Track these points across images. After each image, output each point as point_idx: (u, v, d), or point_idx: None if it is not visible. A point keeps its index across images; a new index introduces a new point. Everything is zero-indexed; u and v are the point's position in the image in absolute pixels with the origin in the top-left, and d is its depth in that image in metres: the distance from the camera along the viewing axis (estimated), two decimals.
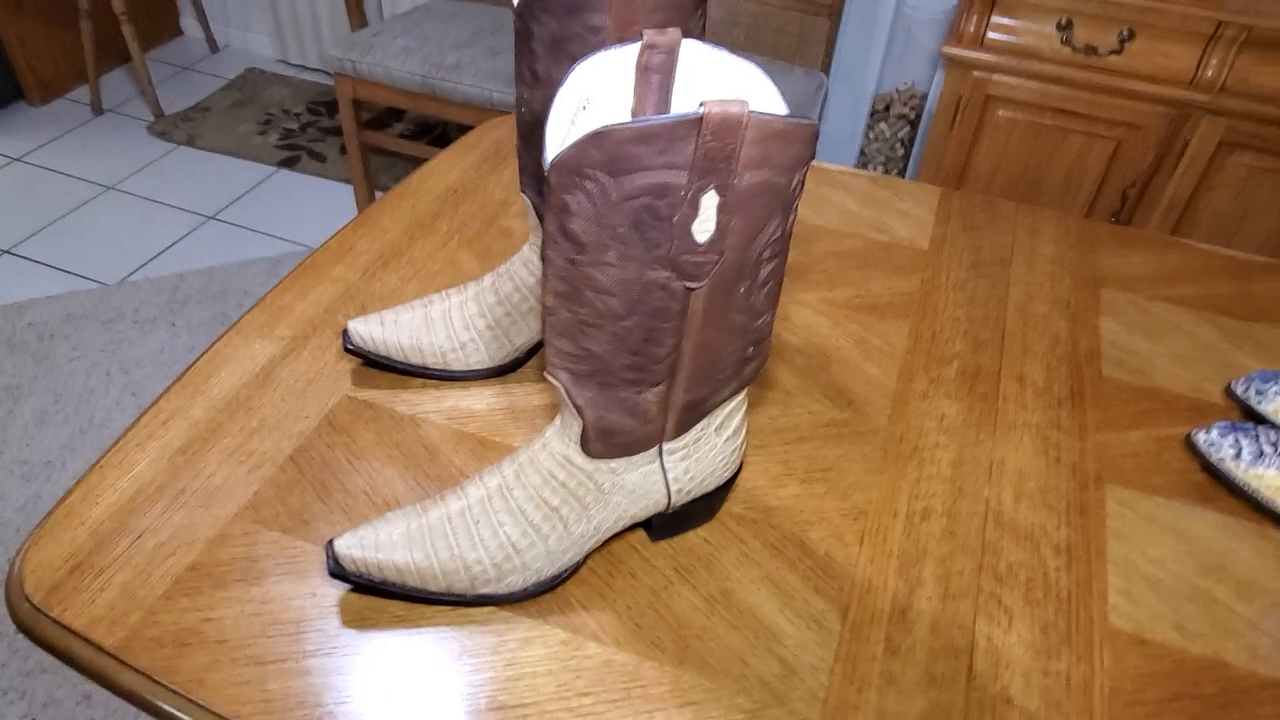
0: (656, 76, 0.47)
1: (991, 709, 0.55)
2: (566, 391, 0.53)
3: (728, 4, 1.92)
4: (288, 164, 2.41)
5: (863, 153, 2.14)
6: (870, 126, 2.08)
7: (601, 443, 0.55)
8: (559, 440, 0.56)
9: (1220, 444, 0.69)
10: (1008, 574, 0.63)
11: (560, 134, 0.46)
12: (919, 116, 2.04)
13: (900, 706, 0.55)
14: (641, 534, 0.63)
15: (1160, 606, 0.61)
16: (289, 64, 2.88)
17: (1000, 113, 1.65)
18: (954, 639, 0.59)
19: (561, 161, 0.43)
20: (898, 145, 2.06)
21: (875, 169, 2.12)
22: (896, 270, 0.90)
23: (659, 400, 0.54)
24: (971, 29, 1.58)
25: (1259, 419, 0.75)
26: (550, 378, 0.53)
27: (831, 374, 0.78)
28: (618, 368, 0.51)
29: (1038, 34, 1.55)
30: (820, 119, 2.04)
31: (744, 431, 0.61)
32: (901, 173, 2.12)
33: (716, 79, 0.47)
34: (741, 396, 0.59)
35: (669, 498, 0.59)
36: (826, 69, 1.94)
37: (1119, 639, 0.59)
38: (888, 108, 2.03)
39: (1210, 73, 1.50)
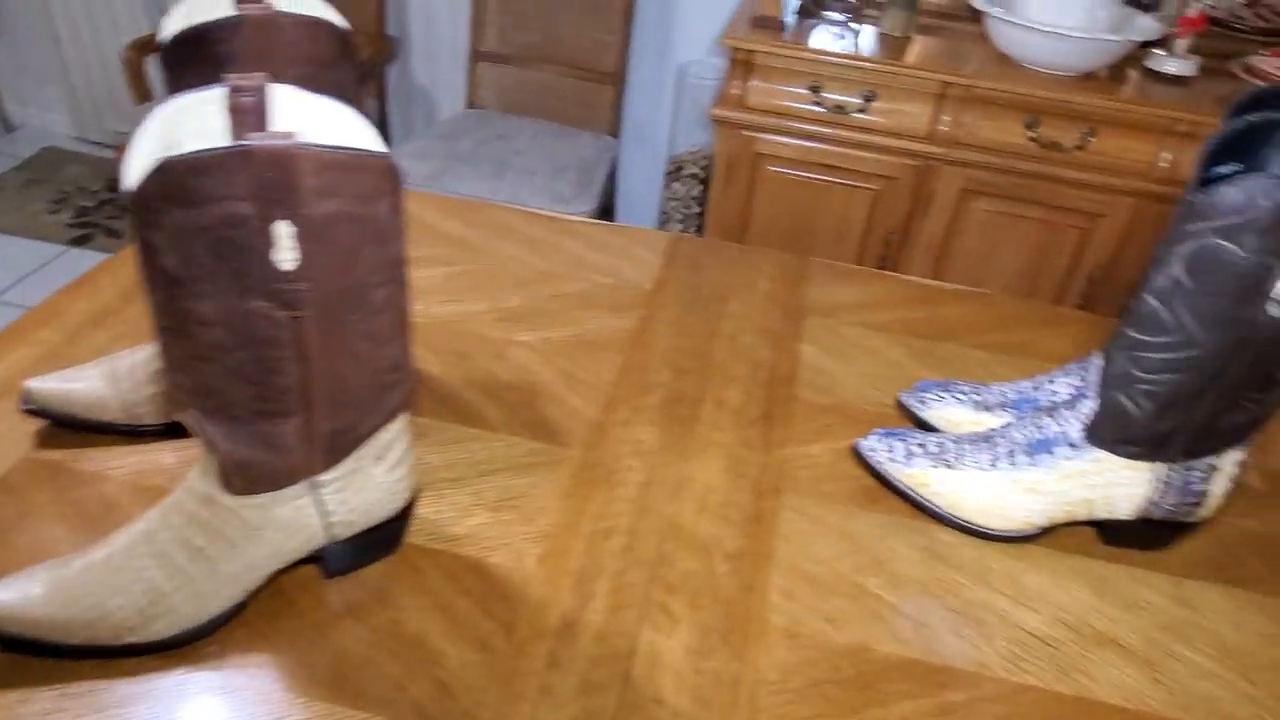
0: (249, 117, 0.49)
1: (642, 709, 0.57)
2: (198, 428, 0.53)
3: (516, 75, 2.00)
4: (79, 242, 2.31)
5: (663, 211, 2.23)
6: (667, 186, 2.18)
7: (241, 478, 0.55)
8: (201, 480, 0.56)
9: (877, 449, 0.75)
10: (679, 583, 0.66)
11: (139, 174, 0.47)
12: (710, 176, 2.15)
13: (552, 714, 0.56)
14: (317, 570, 0.63)
15: (815, 602, 0.66)
16: (88, 141, 2.78)
17: (770, 169, 1.76)
18: (617, 647, 0.61)
19: (133, 198, 0.44)
20: (692, 203, 2.16)
21: (675, 226, 2.22)
22: (616, 309, 0.94)
23: (298, 431, 0.55)
24: (736, 92, 1.70)
25: (924, 425, 0.82)
26: (179, 416, 0.53)
27: (537, 408, 0.81)
28: (241, 400, 0.52)
29: (792, 96, 1.67)
30: (614, 179, 2.12)
31: (409, 462, 0.63)
32: (699, 229, 2.22)
33: (312, 120, 0.50)
34: (398, 426, 0.61)
35: (329, 531, 0.60)
36: (616, 133, 2.03)
37: (772, 634, 0.63)
38: (680, 168, 2.13)
39: (945, 128, 1.65)
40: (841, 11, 1.78)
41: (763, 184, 1.78)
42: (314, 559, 0.63)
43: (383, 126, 2.16)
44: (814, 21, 1.75)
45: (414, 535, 0.67)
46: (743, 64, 1.66)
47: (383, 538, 0.64)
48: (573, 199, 1.74)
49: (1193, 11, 1.62)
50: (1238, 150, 0.61)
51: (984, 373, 0.92)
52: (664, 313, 0.95)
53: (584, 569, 0.66)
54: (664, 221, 2.24)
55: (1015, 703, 0.61)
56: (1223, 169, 0.60)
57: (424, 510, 0.69)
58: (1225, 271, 0.56)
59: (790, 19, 1.73)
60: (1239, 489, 0.81)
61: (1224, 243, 0.55)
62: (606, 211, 2.18)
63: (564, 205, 1.72)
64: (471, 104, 2.03)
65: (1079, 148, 1.61)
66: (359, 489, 0.60)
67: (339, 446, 0.58)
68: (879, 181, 1.72)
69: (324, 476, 0.58)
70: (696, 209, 2.17)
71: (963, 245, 1.77)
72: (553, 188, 1.74)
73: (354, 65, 0.64)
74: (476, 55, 1.99)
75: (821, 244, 1.82)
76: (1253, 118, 0.58)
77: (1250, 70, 1.63)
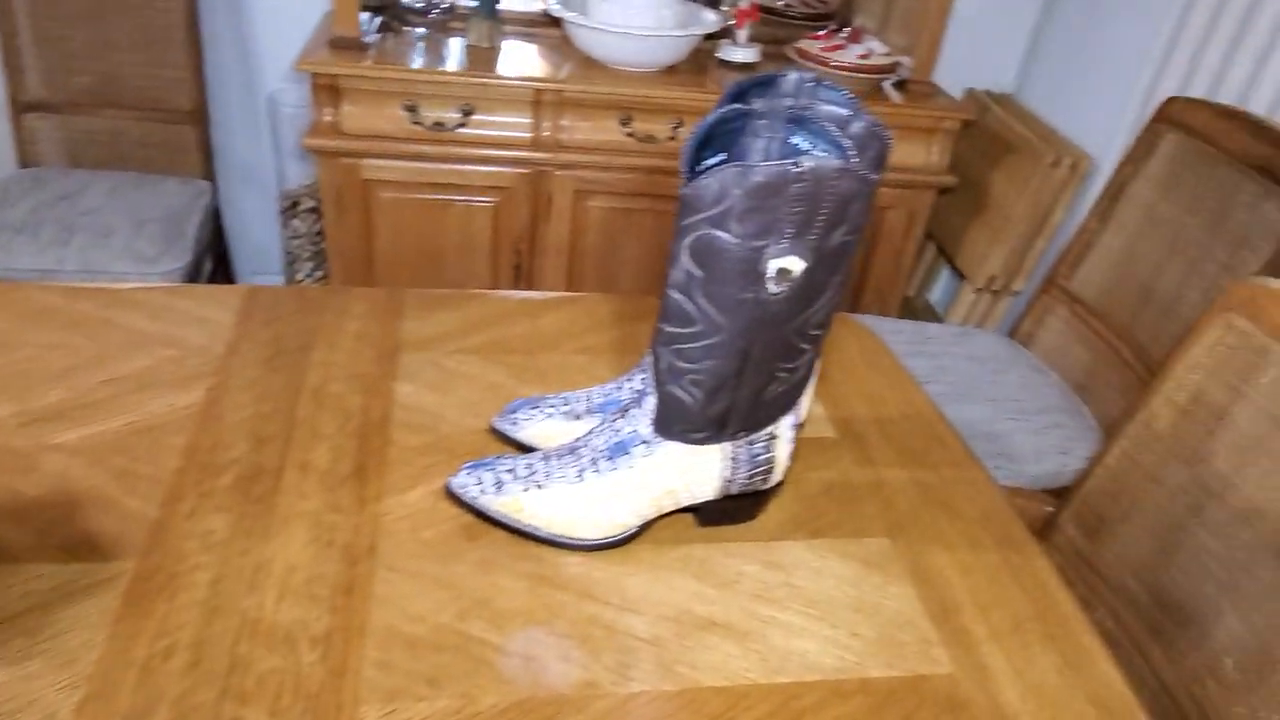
0: None
1: None
2: None
3: (76, 124, 1.76)
4: None
5: (288, 252, 2.08)
6: (285, 225, 2.03)
7: None
8: None
9: (467, 484, 0.72)
10: (256, 689, 0.59)
11: None
12: None
13: None
14: None
15: (416, 665, 0.61)
16: None
17: (383, 194, 1.69)
18: None
19: None
20: (318, 239, 2.04)
21: (305, 265, 2.08)
22: (181, 384, 0.84)
23: None
24: (328, 119, 1.61)
25: (523, 446, 0.80)
26: None
27: (78, 522, 0.69)
28: None
29: (388, 118, 1.61)
30: (220, 226, 1.94)
31: None
32: None
33: None
34: None
35: None
36: (210, 176, 1.86)
37: (368, 717, 0.58)
38: (296, 204, 2.00)
39: (547, 133, 1.67)
40: (424, 26, 1.74)
41: (379, 211, 1.71)
42: None
43: None
44: (397, 38, 1.70)
45: None
46: (327, 89, 1.58)
47: None
48: (159, 256, 1.56)
49: (745, 3, 1.77)
50: (725, 141, 0.64)
51: (585, 378, 0.92)
52: (238, 377, 0.86)
53: (137, 705, 0.57)
54: (291, 262, 2.09)
55: (624, 714, 0.60)
56: (712, 160, 0.63)
57: None
58: (724, 258, 0.58)
59: (372, 38, 1.66)
60: (816, 443, 0.88)
61: (716, 232, 0.57)
62: (222, 261, 2.00)
63: (149, 265, 1.54)
64: (24, 163, 1.76)
65: (671, 138, 1.70)
66: None
67: None
68: (495, 193, 1.72)
69: None
70: (324, 244, 2.05)
71: (589, 245, 1.81)
72: (134, 247, 1.55)
73: None
74: (19, 106, 1.72)
75: (452, 263, 1.78)
76: (724, 110, 0.61)
77: (801, 53, 1.81)
